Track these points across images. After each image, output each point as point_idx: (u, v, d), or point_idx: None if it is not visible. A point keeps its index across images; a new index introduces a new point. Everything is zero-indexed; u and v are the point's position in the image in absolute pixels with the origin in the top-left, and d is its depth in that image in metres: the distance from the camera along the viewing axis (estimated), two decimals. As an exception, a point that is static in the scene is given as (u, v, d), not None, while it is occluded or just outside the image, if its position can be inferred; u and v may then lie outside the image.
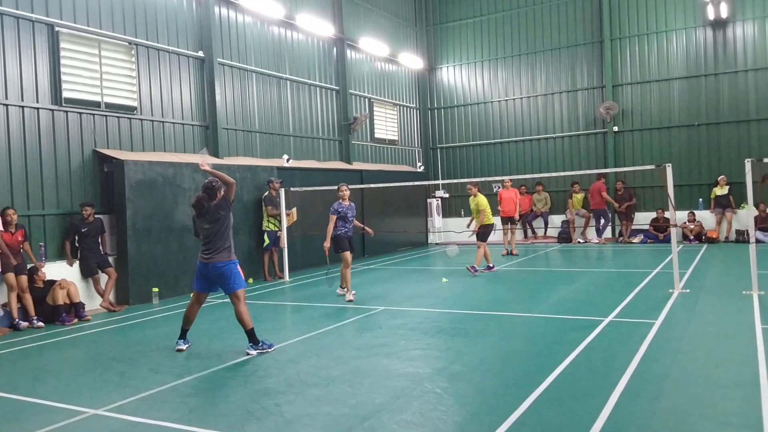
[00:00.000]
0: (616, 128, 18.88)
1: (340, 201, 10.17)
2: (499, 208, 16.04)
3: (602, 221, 17.97)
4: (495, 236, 13.55)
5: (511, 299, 9.72)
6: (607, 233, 18.62)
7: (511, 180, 16.42)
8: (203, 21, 13.13)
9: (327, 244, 9.95)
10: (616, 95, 18.90)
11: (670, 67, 18.28)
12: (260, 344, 6.79)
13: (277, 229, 13.06)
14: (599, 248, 16.99)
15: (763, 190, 12.15)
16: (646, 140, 18.63)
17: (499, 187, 20.35)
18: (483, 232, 12.58)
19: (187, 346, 7.13)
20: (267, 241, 12.98)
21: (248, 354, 6.68)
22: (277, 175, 13.78)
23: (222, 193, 6.81)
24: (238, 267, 6.93)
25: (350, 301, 9.85)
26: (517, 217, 16.40)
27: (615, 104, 18.64)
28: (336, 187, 10.46)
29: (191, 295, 7.41)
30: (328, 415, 4.76)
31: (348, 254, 10.12)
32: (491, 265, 12.84)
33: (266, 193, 13.15)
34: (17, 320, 8.81)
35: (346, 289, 10.15)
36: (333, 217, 10.04)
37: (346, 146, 17.62)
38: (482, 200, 12.62)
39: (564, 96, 19.83)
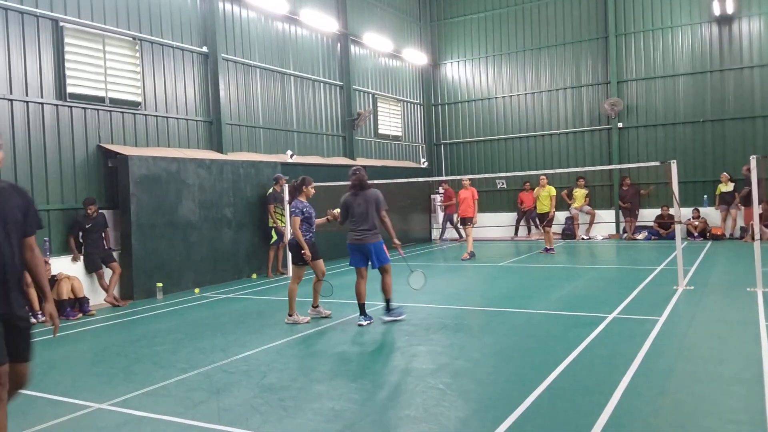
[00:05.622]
0: (620, 124, 18.83)
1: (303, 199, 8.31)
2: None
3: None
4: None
5: (515, 295, 9.72)
6: (611, 230, 18.64)
7: (470, 180, 14.89)
8: (207, 16, 13.13)
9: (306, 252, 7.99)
10: (621, 91, 18.83)
11: (676, 63, 18.20)
12: (392, 311, 7.89)
13: (284, 225, 13.03)
14: (603, 245, 16.95)
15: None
16: (651, 136, 18.56)
17: (502, 184, 20.37)
18: (551, 218, 15.23)
19: (368, 322, 7.79)
20: (275, 237, 12.96)
21: (384, 320, 7.83)
22: (280, 170, 13.77)
23: (365, 179, 8.20)
24: (384, 246, 7.90)
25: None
26: (475, 219, 14.93)
27: (620, 100, 18.58)
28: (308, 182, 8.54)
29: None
30: (331, 410, 4.77)
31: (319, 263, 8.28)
32: (551, 247, 15.08)
33: (270, 191, 13.11)
34: (34, 313, 8.83)
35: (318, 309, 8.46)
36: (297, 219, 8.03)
37: (350, 142, 17.60)
38: (552, 190, 15.24)
39: (569, 92, 19.77)
